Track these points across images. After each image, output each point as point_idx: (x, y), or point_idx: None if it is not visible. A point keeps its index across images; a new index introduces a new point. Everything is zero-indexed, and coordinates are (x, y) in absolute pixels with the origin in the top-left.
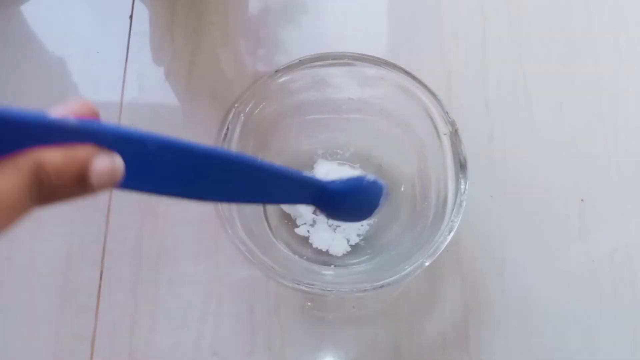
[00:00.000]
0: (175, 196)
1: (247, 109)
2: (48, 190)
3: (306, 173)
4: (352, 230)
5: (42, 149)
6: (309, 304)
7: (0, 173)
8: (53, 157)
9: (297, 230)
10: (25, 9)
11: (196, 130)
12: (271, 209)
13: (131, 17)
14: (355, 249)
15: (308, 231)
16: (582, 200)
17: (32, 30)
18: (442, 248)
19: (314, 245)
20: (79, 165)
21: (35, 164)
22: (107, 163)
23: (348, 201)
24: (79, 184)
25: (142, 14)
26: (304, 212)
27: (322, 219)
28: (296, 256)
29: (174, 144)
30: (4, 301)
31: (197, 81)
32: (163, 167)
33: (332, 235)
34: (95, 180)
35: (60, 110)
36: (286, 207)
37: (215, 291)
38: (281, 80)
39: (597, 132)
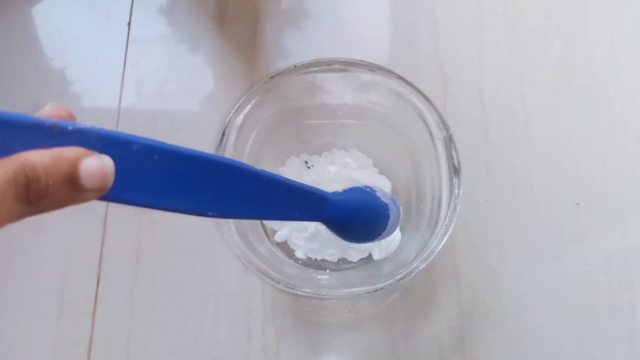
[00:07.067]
0: (167, 207)
1: (243, 114)
2: (37, 191)
3: (308, 185)
4: (381, 248)
5: (29, 152)
6: (304, 308)
7: None
8: (42, 156)
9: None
10: (26, 14)
11: (194, 136)
12: None
13: (129, 24)
14: None
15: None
16: (577, 204)
17: (31, 36)
18: (437, 252)
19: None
20: (69, 164)
21: (21, 163)
22: (97, 163)
23: (356, 213)
24: (70, 185)
25: (140, 21)
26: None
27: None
28: (291, 260)
29: (162, 147)
30: (1, 306)
31: (195, 86)
32: (153, 173)
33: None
34: (87, 181)
35: (38, 115)
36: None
37: (212, 296)
38: (277, 85)
39: (592, 136)
